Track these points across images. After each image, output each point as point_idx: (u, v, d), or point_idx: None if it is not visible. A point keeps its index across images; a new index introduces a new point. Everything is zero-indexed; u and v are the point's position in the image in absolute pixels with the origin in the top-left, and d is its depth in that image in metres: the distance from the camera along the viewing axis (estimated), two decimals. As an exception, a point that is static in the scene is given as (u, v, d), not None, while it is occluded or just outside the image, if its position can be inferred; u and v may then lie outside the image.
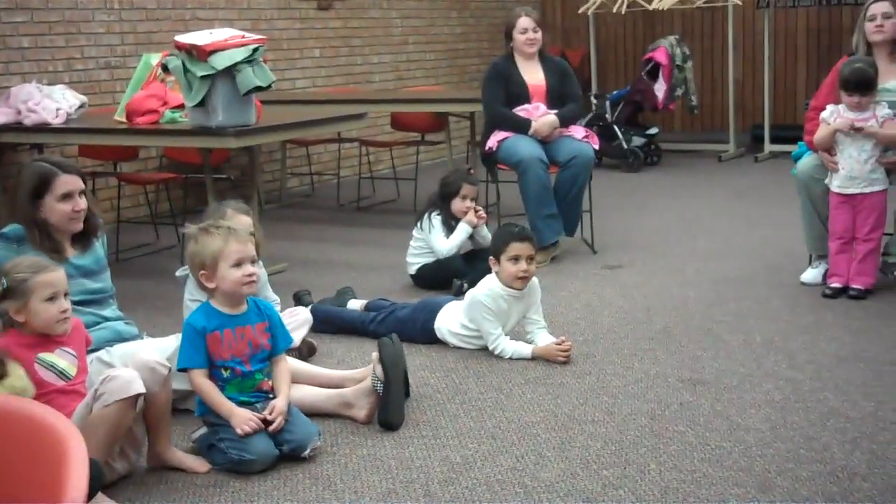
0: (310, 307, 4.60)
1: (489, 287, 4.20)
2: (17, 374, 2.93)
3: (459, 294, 5.00)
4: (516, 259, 4.16)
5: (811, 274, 5.18)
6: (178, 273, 4.15)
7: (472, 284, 5.01)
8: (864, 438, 3.30)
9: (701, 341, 4.34)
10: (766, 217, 6.90)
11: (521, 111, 5.91)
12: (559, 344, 4.13)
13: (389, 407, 3.49)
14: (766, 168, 9.11)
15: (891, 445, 3.24)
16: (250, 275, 3.31)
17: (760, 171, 9.01)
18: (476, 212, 5.35)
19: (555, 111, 5.90)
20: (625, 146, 9.14)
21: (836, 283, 4.92)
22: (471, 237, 5.37)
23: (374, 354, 3.59)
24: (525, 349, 4.15)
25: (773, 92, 9.94)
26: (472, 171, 5.83)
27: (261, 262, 4.20)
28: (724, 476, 3.06)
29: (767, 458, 3.18)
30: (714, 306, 4.85)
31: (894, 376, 3.85)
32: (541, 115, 5.86)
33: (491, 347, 4.18)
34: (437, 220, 5.32)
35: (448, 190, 5.36)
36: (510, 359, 4.15)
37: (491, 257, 4.24)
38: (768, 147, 9.62)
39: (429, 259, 5.32)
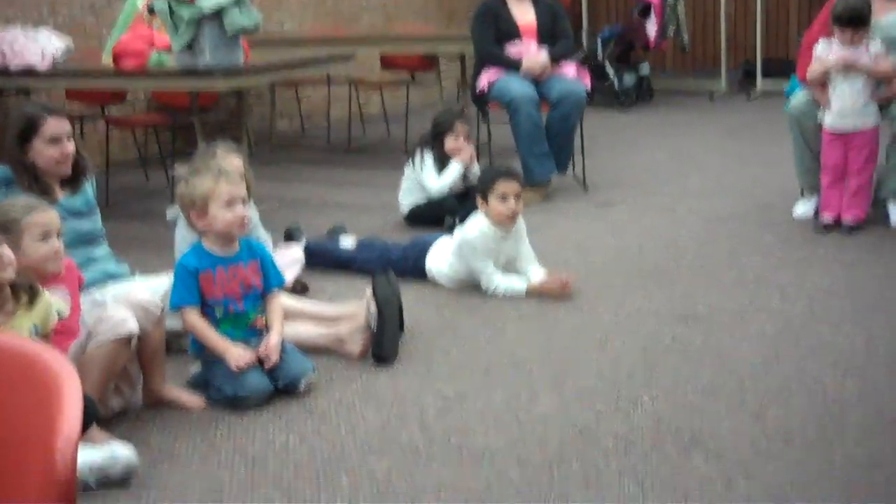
0: (304, 243, 4.60)
1: (477, 227, 4.19)
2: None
3: (451, 232, 4.99)
4: (504, 197, 4.14)
5: (803, 208, 5.18)
6: (168, 215, 4.13)
7: (464, 222, 5.02)
8: (855, 370, 3.32)
9: (693, 277, 4.35)
10: (758, 155, 6.89)
11: (511, 50, 5.86)
12: (556, 280, 4.12)
13: (384, 342, 3.51)
14: (758, 106, 9.07)
15: (882, 377, 3.26)
16: (241, 215, 3.30)
17: (752, 109, 8.97)
18: (469, 151, 5.32)
19: (545, 49, 5.85)
20: (616, 85, 9.09)
21: (828, 216, 4.93)
22: (463, 176, 5.35)
23: (368, 290, 3.59)
24: (519, 285, 4.15)
25: (766, 26, 9.86)
26: (465, 109, 5.79)
27: (252, 203, 4.18)
28: (717, 407, 3.09)
29: (760, 389, 3.20)
30: (706, 243, 4.86)
31: (885, 309, 3.87)
32: (532, 54, 5.81)
33: (484, 287, 4.17)
34: (429, 158, 5.29)
35: (441, 128, 5.32)
36: (491, 293, 4.15)
37: (478, 196, 4.22)
38: (760, 84, 9.56)
39: (420, 198, 5.30)
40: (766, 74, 9.56)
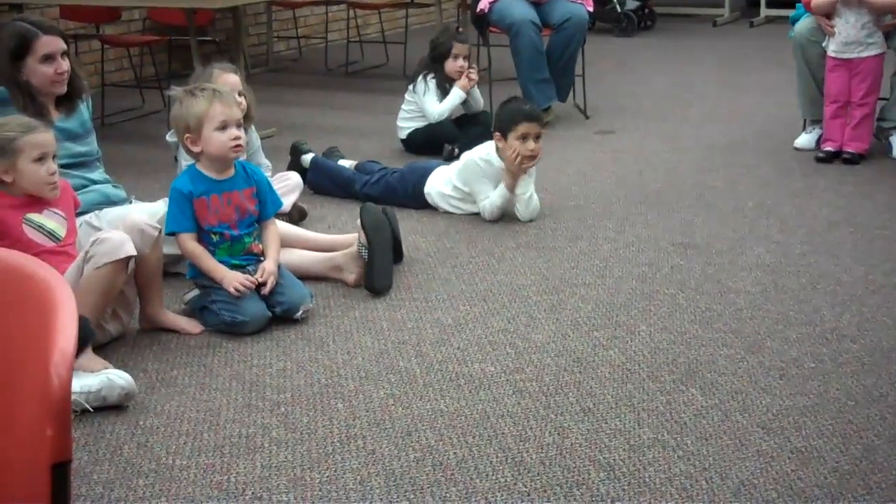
0: (311, 158, 4.58)
1: (487, 152, 4.14)
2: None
3: (450, 159, 4.95)
4: (525, 137, 4.07)
5: (805, 139, 5.14)
6: (168, 137, 4.09)
7: (463, 150, 4.97)
8: (853, 301, 3.32)
9: (693, 206, 4.33)
10: (760, 83, 6.81)
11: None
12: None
13: (374, 272, 3.49)
14: (761, 33, 8.96)
15: (880, 308, 3.26)
16: (236, 138, 3.26)
17: (755, 36, 8.86)
18: (469, 74, 5.25)
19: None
20: (618, 9, 8.94)
21: (829, 147, 4.89)
22: (463, 102, 5.29)
23: (359, 221, 3.57)
24: (500, 190, 4.10)
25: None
26: (460, 28, 5.69)
27: (253, 128, 4.14)
28: (714, 337, 3.09)
29: (757, 319, 3.21)
30: (706, 172, 4.83)
31: (885, 240, 3.86)
32: None
33: (480, 207, 4.13)
34: (431, 82, 5.21)
35: (439, 51, 5.24)
36: (497, 216, 4.12)
37: (496, 133, 4.13)
38: (764, 11, 9.43)
39: (420, 123, 5.25)
40: (769, 2, 9.42)
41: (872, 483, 2.34)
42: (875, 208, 4.22)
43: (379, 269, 3.50)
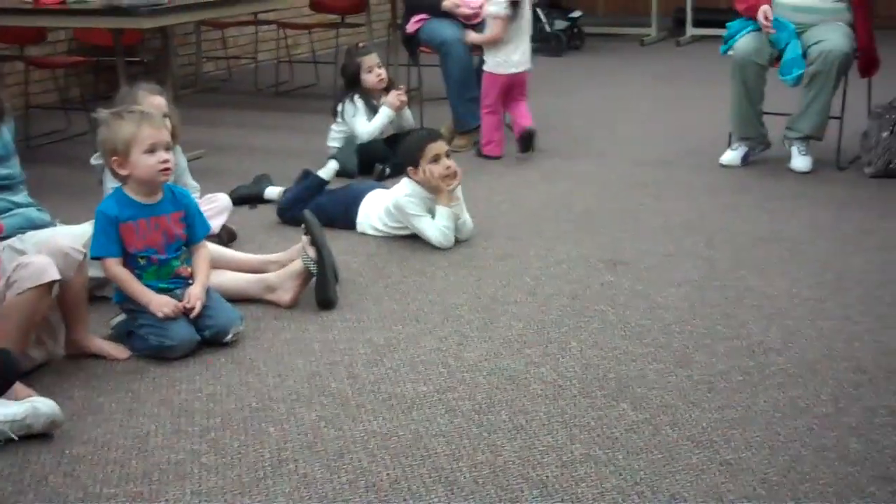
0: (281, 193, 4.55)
1: (407, 189, 4.12)
2: None
3: (381, 179, 4.95)
4: (436, 159, 4.09)
5: (731, 156, 5.23)
6: (93, 160, 4.02)
7: (395, 169, 4.98)
8: (779, 315, 3.38)
9: (622, 223, 4.38)
10: (687, 101, 6.93)
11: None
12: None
13: (326, 285, 3.48)
14: (688, 52, 9.12)
15: (805, 321, 3.32)
16: (164, 161, 3.22)
17: (682, 55, 9.02)
18: (398, 95, 5.25)
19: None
20: (547, 29, 9.05)
21: None
22: (392, 120, 5.29)
23: (305, 237, 3.54)
24: (441, 211, 4.08)
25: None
26: (360, 44, 5.70)
27: (180, 149, 4.10)
28: (644, 352, 3.12)
29: (686, 334, 3.25)
30: (635, 189, 4.89)
31: (809, 255, 3.94)
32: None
33: (431, 238, 4.07)
34: (359, 102, 5.21)
35: (351, 71, 5.25)
36: (452, 238, 4.09)
37: (408, 168, 4.12)
38: (690, 31, 9.60)
39: (351, 144, 5.23)
40: (695, 22, 9.60)
41: (800, 493, 2.38)
42: (799, 223, 4.31)
43: (330, 282, 3.49)
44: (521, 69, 5.51)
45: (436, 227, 4.08)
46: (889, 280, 3.65)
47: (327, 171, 4.45)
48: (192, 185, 4.13)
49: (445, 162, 4.09)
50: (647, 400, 2.82)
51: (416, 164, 4.09)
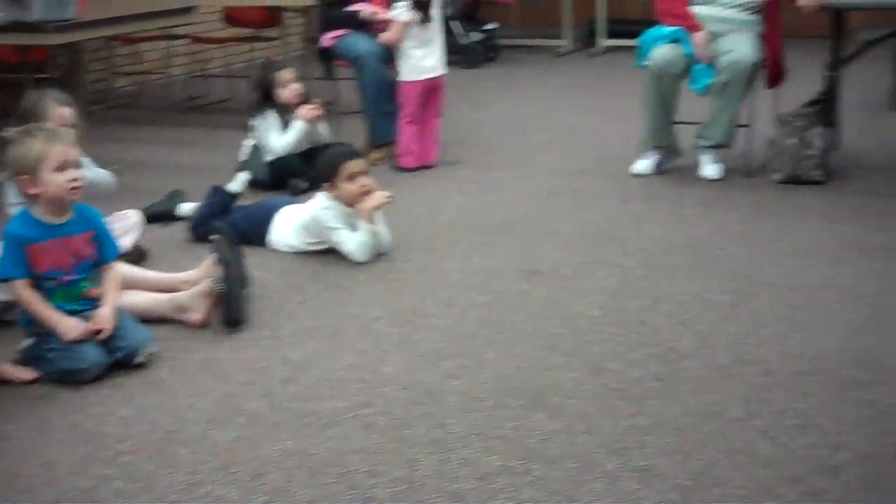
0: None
1: (321, 204, 4.09)
2: None
3: (297, 194, 4.92)
4: (353, 177, 4.07)
5: (643, 165, 5.31)
6: (-1, 179, 3.93)
7: (311, 183, 4.95)
8: (691, 320, 3.43)
9: (537, 233, 4.41)
10: (600, 111, 7.02)
11: (356, 7, 5.77)
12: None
13: (234, 305, 3.44)
14: (601, 63, 9.25)
15: (716, 327, 3.38)
16: (75, 179, 3.16)
17: (595, 65, 9.14)
18: (312, 109, 5.22)
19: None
20: (463, 42, 9.10)
21: None
22: (307, 135, 5.25)
23: (212, 256, 3.50)
24: (365, 227, 4.06)
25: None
26: (274, 58, 5.67)
27: (90, 160, 4.04)
28: (559, 362, 3.15)
29: (600, 342, 3.28)
30: (550, 198, 4.93)
31: (719, 261, 4.01)
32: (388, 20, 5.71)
33: (348, 252, 4.04)
34: (272, 117, 5.17)
35: (266, 87, 5.21)
36: (371, 254, 4.06)
37: (325, 184, 4.10)
38: (602, 42, 9.74)
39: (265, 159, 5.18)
40: (608, 34, 9.73)
41: (713, 497, 2.41)
42: (710, 230, 4.39)
43: (237, 301, 3.45)
44: (435, 74, 5.52)
45: (356, 242, 4.06)
46: (797, 284, 3.74)
47: (238, 183, 4.40)
48: (101, 172, 4.05)
49: (361, 181, 4.07)
50: (562, 409, 2.85)
51: (332, 182, 4.07)
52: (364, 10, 5.68)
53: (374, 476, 2.53)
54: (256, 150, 4.79)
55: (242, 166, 4.40)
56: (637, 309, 3.55)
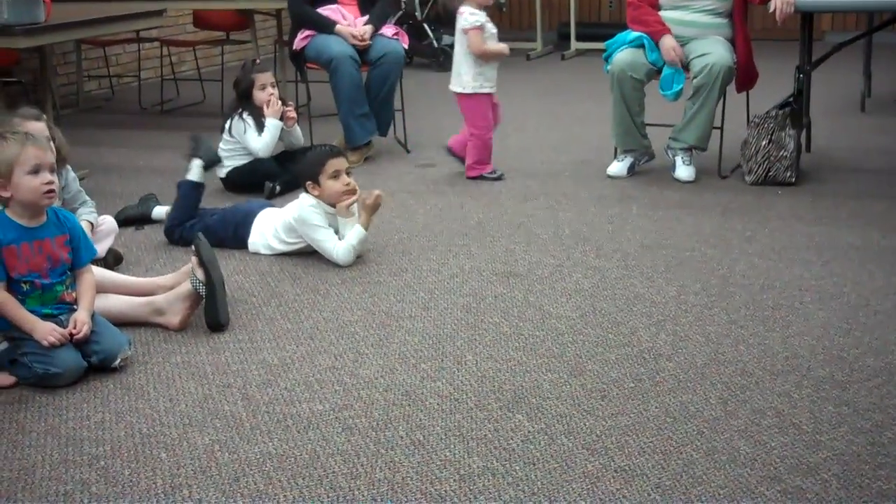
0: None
1: (308, 202, 4.09)
2: None
3: (272, 197, 4.91)
4: (336, 175, 4.07)
5: (617, 167, 5.34)
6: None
7: (285, 186, 4.94)
8: (667, 321, 3.45)
9: (513, 235, 4.42)
10: (573, 113, 7.05)
11: (326, 11, 5.76)
12: (370, 196, 4.12)
13: (216, 307, 3.42)
14: (573, 65, 9.28)
15: (692, 326, 3.40)
16: (49, 182, 3.13)
17: (567, 68, 9.17)
18: (287, 112, 5.21)
19: (366, 18, 5.78)
20: (435, 45, 9.10)
21: None
22: (281, 137, 5.24)
23: (193, 258, 3.48)
24: (356, 230, 4.07)
25: (579, -10, 10.09)
26: (257, 60, 5.65)
27: (70, 169, 4.02)
28: (538, 363, 3.15)
29: (578, 343, 3.29)
30: (525, 201, 4.94)
31: (694, 261, 4.04)
32: (355, 28, 5.70)
33: (334, 255, 4.03)
34: (249, 119, 5.14)
35: (243, 87, 5.18)
36: (354, 257, 4.06)
37: (308, 183, 4.09)
38: (574, 45, 9.78)
39: (238, 161, 5.15)
40: (579, 36, 9.77)
41: (693, 496, 2.43)
42: (684, 231, 4.42)
43: (220, 303, 3.43)
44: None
45: (345, 246, 4.05)
46: (771, 284, 3.77)
47: (194, 171, 4.34)
48: (90, 203, 4.06)
49: (345, 178, 4.07)
50: (542, 410, 2.85)
51: (315, 180, 4.06)
52: (341, 26, 5.65)
53: (354, 478, 2.53)
54: (196, 136, 4.64)
55: (192, 154, 4.33)
56: (614, 310, 3.56)
